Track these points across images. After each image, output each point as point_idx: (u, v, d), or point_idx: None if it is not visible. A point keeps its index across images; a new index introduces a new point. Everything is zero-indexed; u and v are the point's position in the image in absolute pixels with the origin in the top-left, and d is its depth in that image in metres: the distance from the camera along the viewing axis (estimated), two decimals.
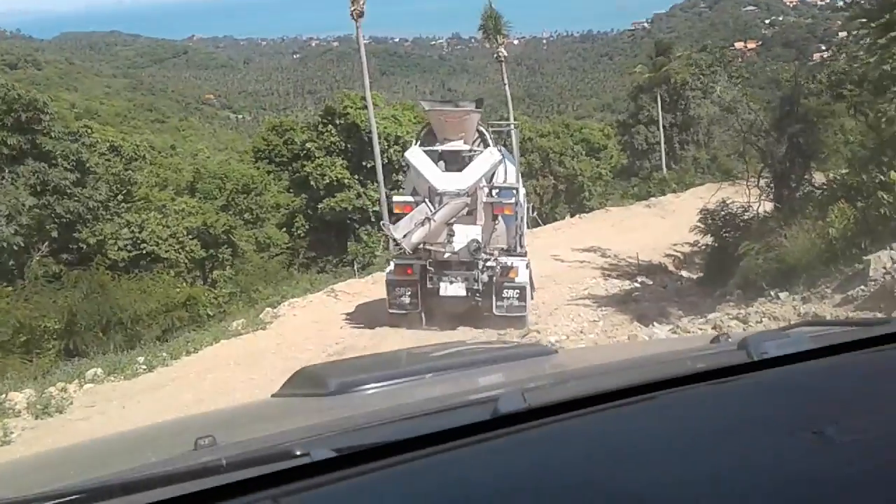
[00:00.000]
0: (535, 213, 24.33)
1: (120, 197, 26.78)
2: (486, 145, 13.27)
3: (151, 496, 1.09)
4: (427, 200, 12.41)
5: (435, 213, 12.24)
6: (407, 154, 13.62)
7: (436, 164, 12.79)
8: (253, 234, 29.70)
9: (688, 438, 1.29)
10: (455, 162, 12.93)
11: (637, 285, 21.68)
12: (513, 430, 1.27)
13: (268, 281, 25.83)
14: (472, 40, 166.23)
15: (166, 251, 25.00)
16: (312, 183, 34.06)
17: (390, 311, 13.64)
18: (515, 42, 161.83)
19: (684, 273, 24.66)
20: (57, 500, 1.15)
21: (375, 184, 32.99)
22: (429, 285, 12.99)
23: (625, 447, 1.27)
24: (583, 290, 20.76)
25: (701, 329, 11.91)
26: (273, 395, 2.24)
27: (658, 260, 25.22)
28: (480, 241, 12.84)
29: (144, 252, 24.86)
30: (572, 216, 37.30)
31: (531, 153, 40.02)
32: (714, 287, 19.34)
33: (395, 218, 13.35)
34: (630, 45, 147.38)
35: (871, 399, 1.41)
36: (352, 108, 33.68)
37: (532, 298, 14.71)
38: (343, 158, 33.97)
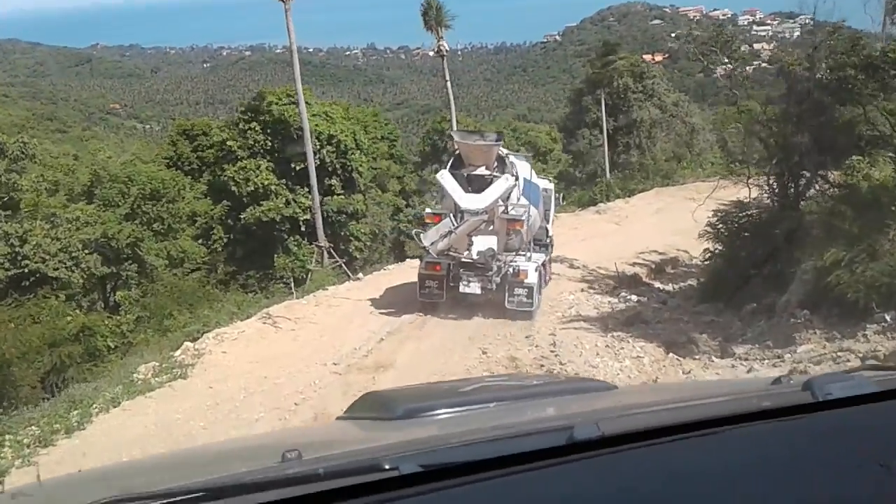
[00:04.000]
0: (564, 203, 25.80)
1: None
2: (504, 171, 15.21)
3: (265, 496, 1.19)
4: (452, 215, 14.42)
5: (458, 227, 14.24)
6: (437, 176, 15.66)
7: (465, 185, 14.75)
8: (164, 246, 24.42)
9: (754, 473, 1.32)
10: (479, 185, 14.82)
11: (633, 301, 18.11)
12: (586, 457, 1.30)
13: (182, 302, 20.86)
14: (387, 51, 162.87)
15: (55, 269, 19.57)
16: (234, 189, 29.09)
17: (420, 299, 15.59)
18: (431, 53, 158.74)
19: (658, 284, 21.59)
20: (177, 499, 1.23)
21: (306, 188, 28.45)
22: (451, 283, 15.10)
23: (693, 479, 1.31)
24: (567, 308, 17.24)
25: None
26: (338, 418, 2.35)
27: (629, 270, 21.94)
28: (495, 249, 15.00)
29: (27, 271, 19.41)
30: None
31: None
32: (729, 304, 15.80)
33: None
34: (542, 57, 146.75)
35: None
36: (278, 103, 28.88)
37: (540, 295, 16.15)
38: (269, 160, 29.14)
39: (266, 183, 28.28)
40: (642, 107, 42.31)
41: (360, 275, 22.54)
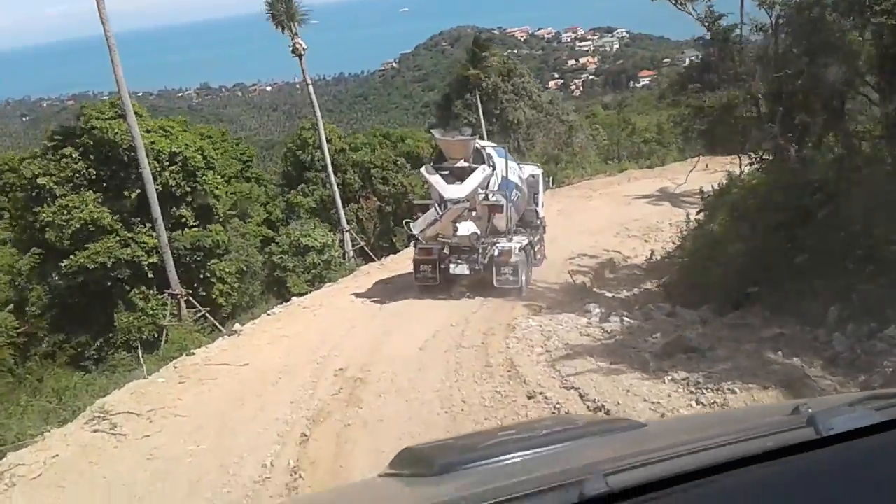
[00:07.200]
0: (553, 185, 25.16)
1: None
2: (482, 162, 15.71)
3: None
4: (437, 205, 15.19)
5: (442, 214, 15.03)
6: (422, 170, 16.33)
7: (448, 178, 15.44)
8: None
9: None
10: (461, 176, 15.52)
11: (621, 321, 12.91)
12: None
13: None
14: (223, 89, 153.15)
15: None
16: (50, 235, 21.41)
17: (416, 283, 16.21)
18: (268, 88, 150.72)
19: (608, 293, 16.98)
20: None
21: (148, 224, 21.40)
22: (442, 265, 15.93)
23: None
24: (545, 340, 11.92)
25: None
26: (380, 475, 2.26)
27: (570, 279, 17.32)
28: (479, 232, 15.82)
29: None
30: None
31: (346, 171, 30.14)
32: (781, 310, 10.78)
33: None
34: (382, 85, 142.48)
35: None
36: (100, 117, 21.58)
37: (529, 273, 16.80)
38: (95, 191, 21.70)
39: (94, 217, 20.87)
40: (517, 107, 38.04)
41: (237, 326, 16.02)
